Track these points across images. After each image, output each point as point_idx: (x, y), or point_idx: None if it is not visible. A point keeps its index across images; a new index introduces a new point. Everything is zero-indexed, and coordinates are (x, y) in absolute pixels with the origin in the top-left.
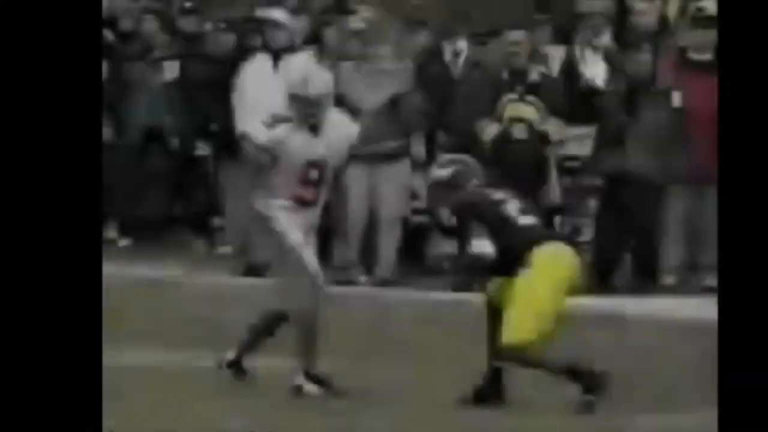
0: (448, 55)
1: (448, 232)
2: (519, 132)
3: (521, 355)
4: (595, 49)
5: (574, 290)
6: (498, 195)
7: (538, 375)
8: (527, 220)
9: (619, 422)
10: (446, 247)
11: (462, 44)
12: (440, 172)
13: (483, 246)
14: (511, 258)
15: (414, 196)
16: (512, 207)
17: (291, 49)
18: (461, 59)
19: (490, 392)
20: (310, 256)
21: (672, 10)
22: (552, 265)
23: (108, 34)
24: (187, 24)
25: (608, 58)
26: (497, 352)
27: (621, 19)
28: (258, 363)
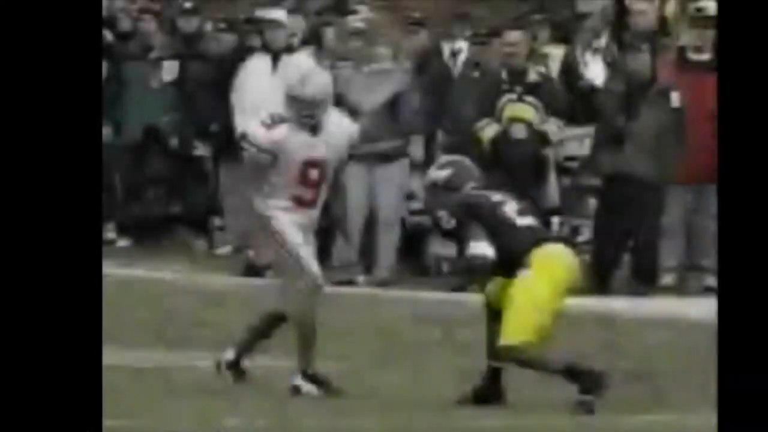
0: (447, 55)
1: (447, 233)
2: (518, 132)
3: (519, 356)
4: (594, 50)
5: (572, 291)
6: (497, 196)
7: (537, 375)
8: (526, 221)
9: (619, 422)
10: (445, 247)
11: (461, 44)
12: (438, 174)
13: (481, 248)
14: (510, 259)
15: (412, 196)
16: (511, 208)
17: (290, 49)
18: (460, 59)
19: (489, 392)
20: (309, 256)
21: (671, 10)
22: (551, 266)
23: (107, 34)
24: (186, 24)
25: (607, 59)
26: (496, 352)
27: (620, 19)
28: (257, 363)
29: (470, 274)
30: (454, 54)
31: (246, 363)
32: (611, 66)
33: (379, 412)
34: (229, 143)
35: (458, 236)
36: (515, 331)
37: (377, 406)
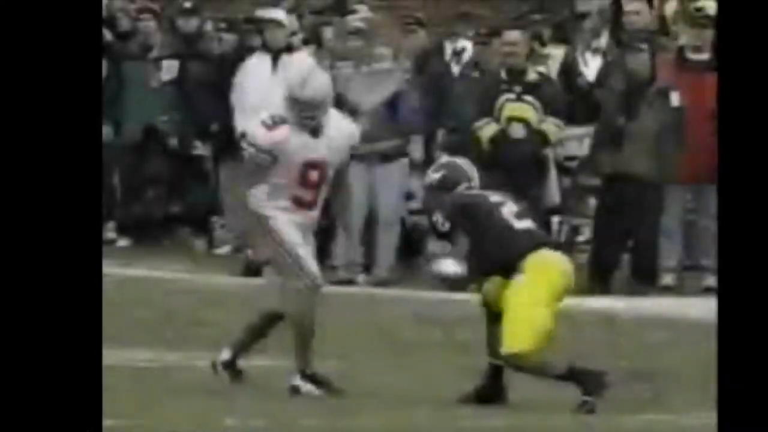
0: (448, 55)
1: (442, 236)
2: (517, 132)
3: (521, 363)
4: (594, 50)
5: (568, 293)
6: (495, 197)
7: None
8: (524, 224)
9: (619, 422)
10: (444, 248)
11: (464, 43)
12: (432, 176)
13: (447, 265)
14: (507, 262)
15: (412, 196)
16: (509, 210)
17: (290, 48)
18: (464, 58)
19: (490, 391)
20: (308, 256)
21: (670, 9)
22: (547, 272)
23: (106, 34)
24: (186, 24)
25: (607, 58)
26: (495, 352)
27: (618, 19)
28: (255, 363)
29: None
30: (458, 53)
31: (244, 363)
32: (611, 65)
33: (379, 411)
34: (229, 143)
35: (452, 239)
36: (515, 339)
37: (377, 406)
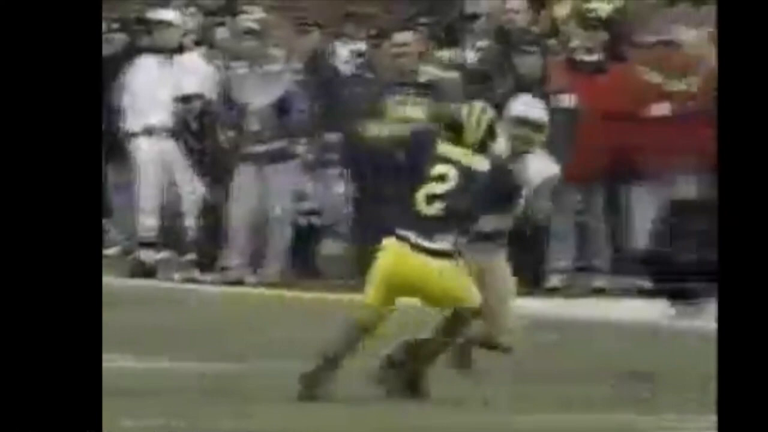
0: (343, 57)
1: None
2: (406, 132)
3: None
4: (478, 50)
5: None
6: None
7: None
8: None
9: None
10: (335, 248)
11: (361, 45)
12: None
13: None
14: None
15: (303, 197)
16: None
17: (181, 49)
18: (361, 60)
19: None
20: None
21: (561, 11)
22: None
23: None
24: None
25: (494, 60)
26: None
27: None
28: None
29: None
30: (360, 55)
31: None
32: (499, 67)
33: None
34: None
35: None
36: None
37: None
